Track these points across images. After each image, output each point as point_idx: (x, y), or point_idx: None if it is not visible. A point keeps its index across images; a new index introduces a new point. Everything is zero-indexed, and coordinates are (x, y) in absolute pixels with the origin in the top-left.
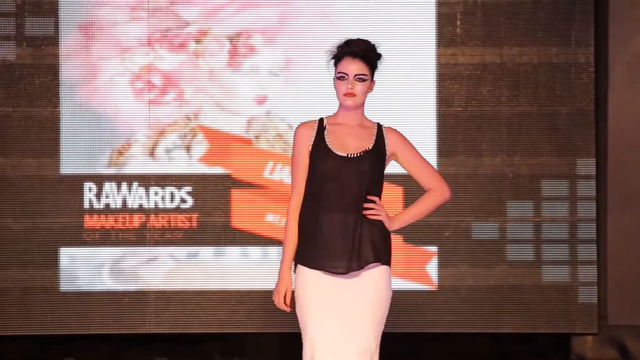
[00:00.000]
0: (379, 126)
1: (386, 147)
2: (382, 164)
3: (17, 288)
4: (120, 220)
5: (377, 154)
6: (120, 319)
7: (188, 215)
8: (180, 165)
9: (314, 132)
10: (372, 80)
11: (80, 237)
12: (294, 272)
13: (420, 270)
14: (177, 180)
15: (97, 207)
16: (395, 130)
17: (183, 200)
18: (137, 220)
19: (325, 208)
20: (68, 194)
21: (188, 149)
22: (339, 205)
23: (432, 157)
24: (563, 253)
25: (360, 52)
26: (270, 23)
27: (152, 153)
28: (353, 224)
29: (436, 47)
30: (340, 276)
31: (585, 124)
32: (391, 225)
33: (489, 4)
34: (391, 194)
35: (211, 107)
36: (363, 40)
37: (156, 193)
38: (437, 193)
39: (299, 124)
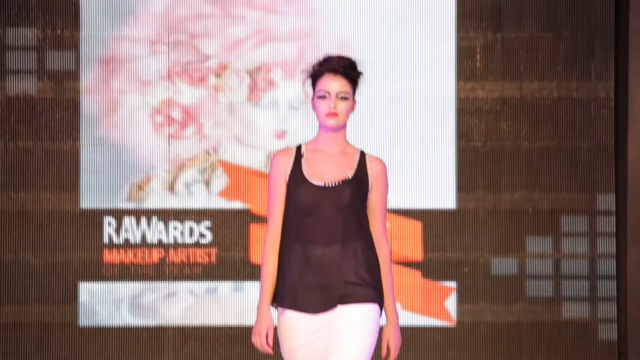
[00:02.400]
0: (362, 154)
1: (368, 178)
2: (365, 194)
3: (36, 323)
4: (140, 255)
5: (358, 183)
6: (139, 355)
7: (207, 250)
8: (200, 199)
9: (292, 160)
10: (353, 99)
11: (100, 272)
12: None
13: (439, 306)
14: (197, 215)
15: (117, 241)
16: (380, 161)
17: (202, 235)
18: (156, 255)
19: (304, 242)
20: (88, 229)
21: (207, 183)
22: (319, 238)
23: (451, 192)
24: (582, 289)
25: (342, 69)
26: (290, 57)
27: (171, 187)
28: (335, 258)
29: (456, 81)
30: (323, 313)
31: (605, 159)
32: (396, 317)
33: (508, 38)
34: (410, 228)
35: (231, 142)
36: (343, 56)
37: (175, 228)
38: (386, 257)
39: (276, 151)
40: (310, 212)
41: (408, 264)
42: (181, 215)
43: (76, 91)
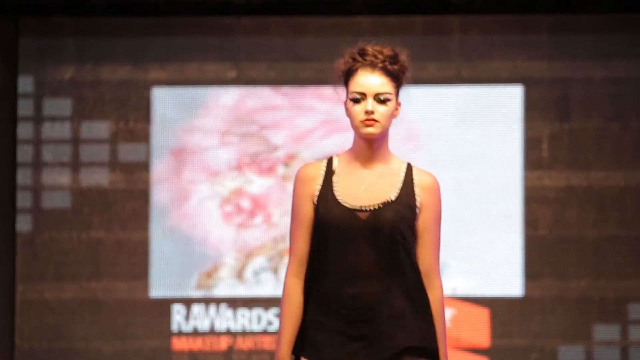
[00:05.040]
0: (409, 168)
1: (416, 197)
2: (412, 218)
3: None
4: (208, 342)
5: (404, 205)
6: None
7: (275, 337)
8: (268, 287)
9: (321, 177)
10: (397, 100)
11: None
12: None
13: None
14: (265, 302)
15: (185, 329)
16: (431, 176)
17: (270, 323)
18: (224, 342)
19: (335, 278)
20: (157, 317)
21: (276, 271)
22: (353, 274)
23: (518, 278)
24: None
25: (381, 63)
26: None
27: (240, 275)
28: (375, 302)
29: (523, 170)
30: None
31: None
32: None
33: (575, 128)
34: (478, 315)
35: None
36: (383, 47)
37: (243, 315)
38: (438, 299)
39: (302, 166)
40: (343, 242)
41: (475, 350)
42: (249, 302)
43: (147, 182)
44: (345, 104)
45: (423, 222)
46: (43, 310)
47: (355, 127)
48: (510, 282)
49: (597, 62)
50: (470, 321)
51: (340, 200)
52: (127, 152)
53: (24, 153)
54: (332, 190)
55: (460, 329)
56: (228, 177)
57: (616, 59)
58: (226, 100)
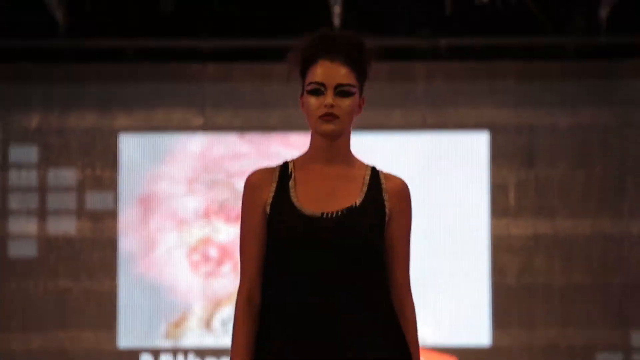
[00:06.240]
0: (374, 171)
1: (385, 203)
2: (381, 226)
3: None
4: None
5: (372, 212)
6: None
7: None
8: None
9: (274, 182)
10: (361, 94)
11: None
12: None
13: None
14: None
15: None
16: (400, 180)
17: None
18: None
19: (294, 298)
20: None
21: None
22: (314, 293)
23: (486, 327)
24: None
25: (344, 52)
26: None
27: (208, 325)
28: (339, 322)
29: (489, 217)
30: None
31: (639, 296)
32: None
33: (541, 176)
34: None
35: None
36: (345, 33)
37: None
38: (410, 319)
39: (252, 171)
40: (302, 255)
41: None
42: (218, 353)
43: (114, 230)
44: (301, 98)
45: (393, 231)
46: None
47: (312, 124)
48: (478, 331)
49: (563, 110)
50: None
51: (298, 207)
52: (94, 199)
53: None
54: (288, 197)
55: None
56: (195, 226)
57: (581, 106)
58: (193, 147)
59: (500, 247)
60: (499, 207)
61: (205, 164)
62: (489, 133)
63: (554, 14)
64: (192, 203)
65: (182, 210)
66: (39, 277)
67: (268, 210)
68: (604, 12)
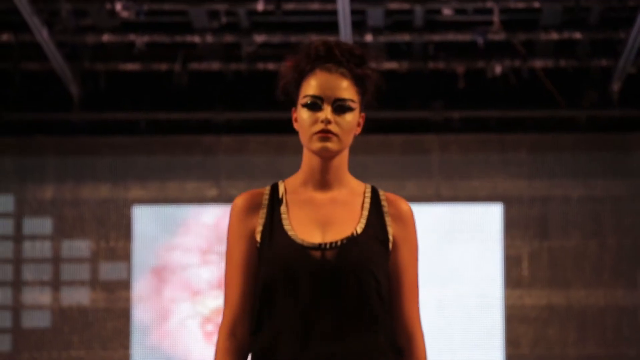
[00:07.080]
0: (375, 191)
1: (388, 229)
2: (384, 256)
3: None
4: None
5: (374, 240)
6: None
7: None
8: None
9: (264, 209)
10: (361, 111)
11: None
12: None
13: None
14: None
15: None
16: (404, 202)
17: None
18: None
19: (286, 339)
20: None
21: None
22: (309, 333)
23: None
24: None
25: (345, 63)
26: None
27: None
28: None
29: (503, 288)
30: None
31: None
32: None
33: (555, 247)
34: None
35: None
36: (345, 43)
37: None
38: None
39: (239, 195)
40: (295, 290)
41: None
42: None
43: (128, 301)
44: (294, 112)
45: (398, 261)
46: None
47: (306, 142)
48: None
49: (575, 181)
50: None
51: (291, 236)
52: (108, 270)
53: (3, 272)
54: (280, 224)
55: None
56: (209, 296)
57: (594, 178)
58: (207, 218)
59: (514, 318)
60: (513, 278)
61: (218, 235)
62: (502, 204)
63: (566, 87)
64: (205, 274)
65: (195, 280)
66: (52, 347)
67: (258, 238)
68: (615, 86)
